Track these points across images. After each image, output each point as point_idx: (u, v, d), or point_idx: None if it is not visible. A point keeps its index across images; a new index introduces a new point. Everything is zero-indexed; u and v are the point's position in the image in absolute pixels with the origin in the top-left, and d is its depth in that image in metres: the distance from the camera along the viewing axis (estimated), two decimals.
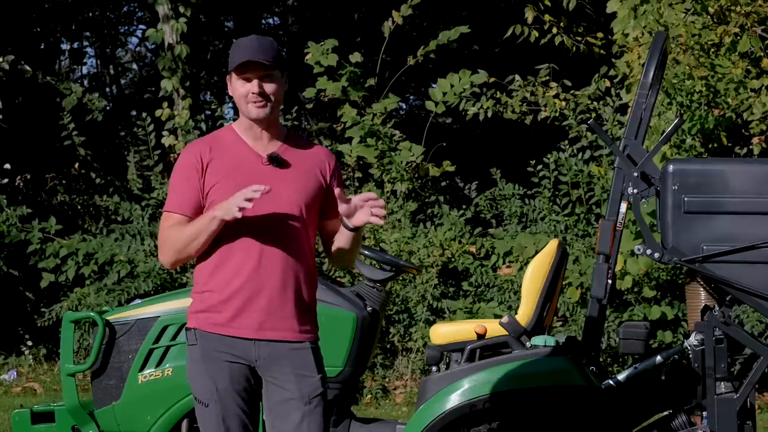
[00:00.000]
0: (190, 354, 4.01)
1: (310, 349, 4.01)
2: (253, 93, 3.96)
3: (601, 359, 5.93)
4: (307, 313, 4.04)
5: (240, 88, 3.98)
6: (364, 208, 3.91)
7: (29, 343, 10.57)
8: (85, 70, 20.18)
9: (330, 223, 4.11)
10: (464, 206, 10.30)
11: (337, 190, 3.93)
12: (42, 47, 16.85)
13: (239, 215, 3.79)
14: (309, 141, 4.22)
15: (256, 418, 4.03)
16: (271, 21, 19.97)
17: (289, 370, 3.96)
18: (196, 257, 4.00)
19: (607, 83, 9.97)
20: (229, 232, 3.92)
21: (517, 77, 10.36)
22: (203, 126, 10.88)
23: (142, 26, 19.81)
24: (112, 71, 20.16)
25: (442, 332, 5.70)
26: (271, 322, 3.95)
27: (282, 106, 4.24)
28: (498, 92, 10.30)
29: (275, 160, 3.99)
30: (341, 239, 4.03)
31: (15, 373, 10.07)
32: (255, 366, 3.97)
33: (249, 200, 3.78)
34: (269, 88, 3.98)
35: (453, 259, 9.71)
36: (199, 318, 3.99)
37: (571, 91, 10.19)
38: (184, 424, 5.50)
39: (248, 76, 3.97)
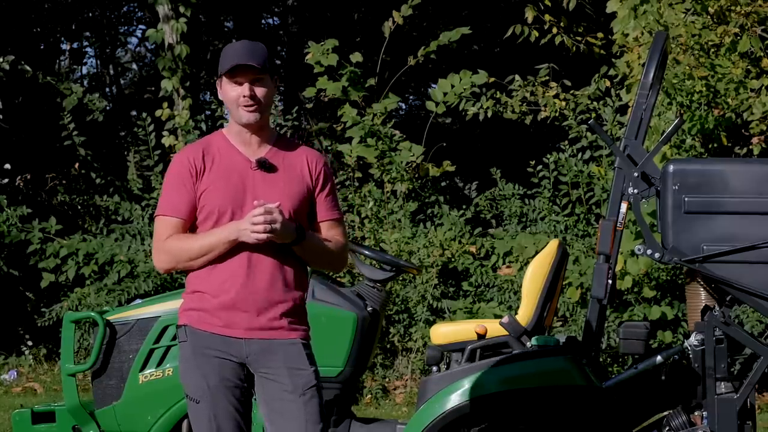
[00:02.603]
0: (182, 351, 4.05)
1: (301, 345, 4.05)
2: (244, 96, 3.99)
3: (601, 359, 5.93)
4: (298, 314, 4.08)
5: (231, 92, 4.02)
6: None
7: (29, 343, 10.57)
8: (85, 70, 20.19)
9: (317, 226, 4.14)
10: (464, 206, 10.30)
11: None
12: (42, 47, 16.84)
13: (263, 239, 3.89)
14: (298, 142, 4.26)
15: (248, 415, 4.06)
16: (271, 21, 19.97)
17: (281, 364, 4.00)
18: None
19: (607, 83, 9.96)
20: None
21: (517, 77, 10.36)
22: (203, 126, 10.87)
23: (142, 26, 19.82)
24: (112, 71, 20.15)
25: (442, 332, 5.71)
26: (260, 322, 3.99)
27: (282, 107, 4.27)
28: (498, 92, 10.30)
29: (264, 165, 4.04)
30: (297, 253, 4.06)
31: (15, 373, 10.07)
32: (246, 362, 4.01)
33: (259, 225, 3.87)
34: (260, 92, 4.02)
35: (453, 259, 9.71)
36: (190, 315, 4.04)
37: (571, 91, 10.18)
38: (185, 424, 5.50)
39: (239, 80, 4.00)
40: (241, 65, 3.98)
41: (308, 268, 4.21)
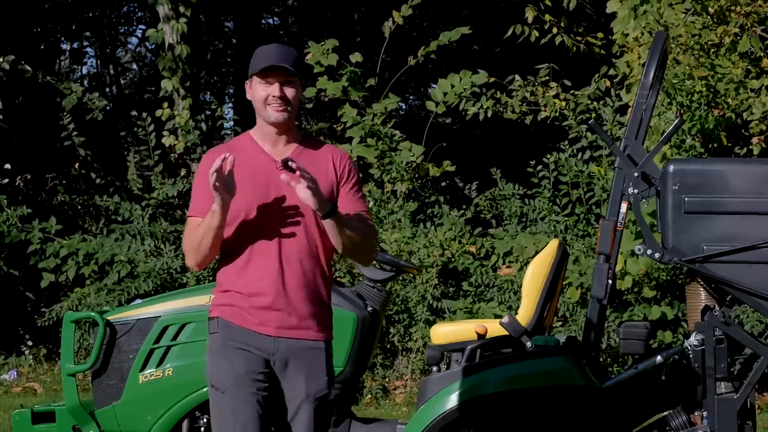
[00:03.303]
0: (211, 343, 4.15)
1: (324, 350, 4.17)
2: (273, 96, 4.11)
3: (601, 359, 5.93)
4: (324, 312, 4.21)
5: (261, 91, 4.14)
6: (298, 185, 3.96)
7: (29, 343, 10.57)
8: (85, 70, 20.20)
9: None
10: (464, 206, 10.30)
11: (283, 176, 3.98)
12: (42, 47, 16.85)
13: (216, 189, 3.92)
14: (323, 142, 4.37)
15: (269, 408, 4.13)
16: (271, 21, 19.97)
17: (301, 368, 4.11)
18: (219, 258, 4.17)
19: (607, 83, 9.97)
20: (248, 235, 4.09)
21: (517, 77, 10.36)
22: (203, 126, 10.87)
23: (142, 26, 19.83)
24: (112, 71, 20.16)
25: (443, 332, 5.71)
26: (291, 321, 4.10)
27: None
28: (498, 92, 10.30)
29: (288, 165, 4.08)
30: (329, 233, 4.10)
31: (15, 373, 10.07)
32: (271, 359, 4.10)
33: (216, 173, 3.90)
34: (289, 93, 4.13)
35: (453, 259, 9.71)
36: (223, 310, 4.14)
37: (571, 91, 10.19)
38: (185, 424, 5.51)
39: (270, 81, 4.12)
40: (273, 66, 4.09)
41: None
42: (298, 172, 3.92)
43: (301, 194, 3.95)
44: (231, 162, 3.94)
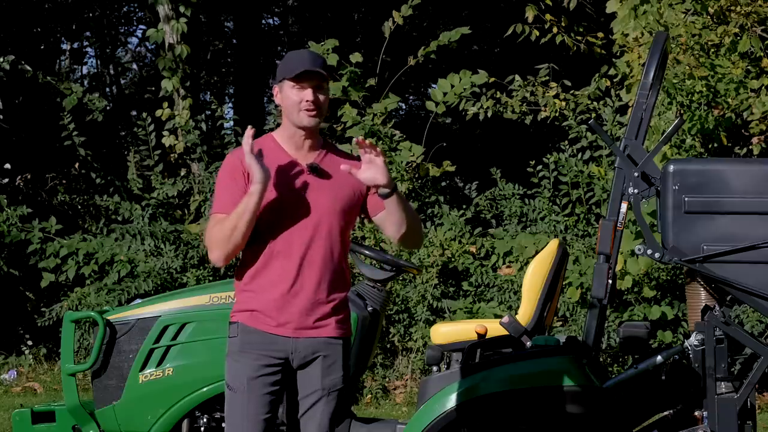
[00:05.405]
0: (230, 346, 4.25)
1: (341, 345, 4.25)
2: (307, 101, 4.18)
3: (601, 359, 5.92)
4: (342, 312, 4.27)
5: (293, 96, 4.20)
6: (369, 165, 4.09)
7: (29, 342, 10.57)
8: (85, 70, 20.19)
9: (381, 216, 4.27)
10: (464, 206, 10.30)
11: (357, 139, 4.11)
12: (42, 47, 16.83)
13: (251, 158, 4.06)
14: (343, 151, 4.44)
15: (276, 410, 4.22)
16: (271, 21, 19.98)
17: (318, 362, 4.21)
18: (239, 259, 4.24)
19: (607, 83, 9.97)
20: (270, 236, 4.16)
21: (517, 77, 10.36)
22: (203, 126, 10.87)
23: (142, 26, 19.82)
24: (112, 71, 20.15)
25: (443, 332, 5.72)
26: (309, 322, 4.19)
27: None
28: (498, 92, 10.30)
29: (315, 170, 4.22)
30: (391, 215, 4.18)
31: (15, 373, 10.07)
32: (290, 358, 4.19)
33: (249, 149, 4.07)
34: (321, 98, 4.22)
35: (453, 259, 9.71)
36: (243, 315, 4.22)
37: (571, 91, 10.19)
38: (185, 423, 5.51)
39: (303, 85, 4.18)
40: (308, 71, 4.15)
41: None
42: (374, 150, 4.03)
43: (374, 170, 4.05)
44: (251, 136, 4.08)
